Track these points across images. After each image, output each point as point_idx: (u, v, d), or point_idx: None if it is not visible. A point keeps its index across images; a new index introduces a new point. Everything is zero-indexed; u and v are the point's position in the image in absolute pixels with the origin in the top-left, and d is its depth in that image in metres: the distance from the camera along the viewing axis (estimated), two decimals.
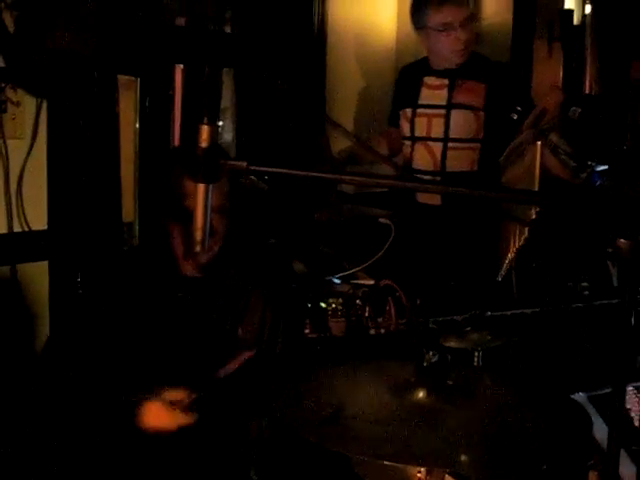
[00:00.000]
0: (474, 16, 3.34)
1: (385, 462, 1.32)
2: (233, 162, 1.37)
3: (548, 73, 4.37)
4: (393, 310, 2.59)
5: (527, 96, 3.27)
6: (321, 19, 3.81)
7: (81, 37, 2.31)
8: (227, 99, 3.77)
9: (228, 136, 3.82)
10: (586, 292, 2.79)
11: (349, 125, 3.99)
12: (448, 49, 3.32)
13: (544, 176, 1.94)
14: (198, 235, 1.40)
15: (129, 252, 3.09)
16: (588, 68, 4.70)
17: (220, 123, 3.76)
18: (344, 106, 3.99)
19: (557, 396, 1.76)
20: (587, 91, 4.74)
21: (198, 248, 1.42)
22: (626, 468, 1.89)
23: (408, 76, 3.55)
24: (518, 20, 4.23)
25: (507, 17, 4.25)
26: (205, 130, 1.35)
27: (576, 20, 4.67)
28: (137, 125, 3.24)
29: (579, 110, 2.97)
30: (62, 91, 2.76)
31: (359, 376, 1.66)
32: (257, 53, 3.50)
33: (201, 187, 1.37)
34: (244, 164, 1.35)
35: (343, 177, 1.74)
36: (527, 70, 4.23)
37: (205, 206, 1.38)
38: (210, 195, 1.38)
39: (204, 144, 1.35)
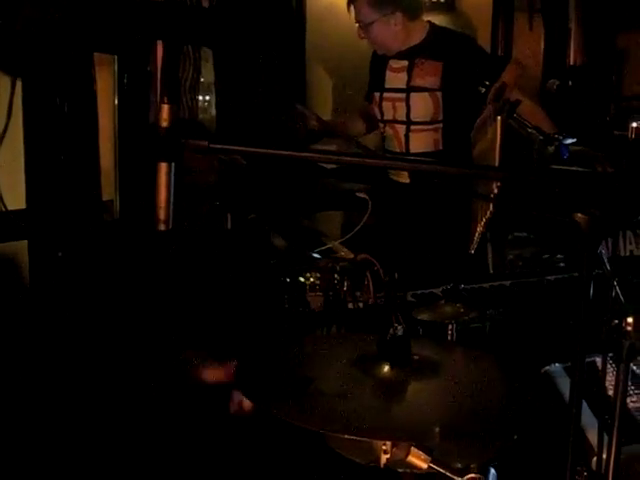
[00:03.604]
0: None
1: (346, 436, 1.34)
2: (194, 141, 1.37)
3: (529, 46, 4.37)
4: (371, 284, 2.60)
5: (495, 68, 3.27)
6: None
7: (49, 17, 2.29)
8: (210, 74, 3.75)
9: (214, 110, 3.82)
10: (561, 264, 2.81)
11: (329, 101, 4.00)
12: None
13: (509, 151, 1.95)
14: (161, 214, 1.41)
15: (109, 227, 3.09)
16: (572, 39, 4.68)
17: (207, 98, 3.76)
18: (324, 82, 3.99)
19: (529, 369, 1.78)
20: (571, 62, 4.74)
21: (162, 227, 1.42)
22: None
23: (378, 56, 3.58)
24: None
25: None
26: (165, 109, 1.35)
27: None
28: (116, 102, 3.23)
29: (557, 82, 2.97)
30: (37, 69, 2.75)
31: (327, 350, 1.68)
32: (235, 28, 3.49)
33: (163, 166, 1.37)
34: (205, 143, 1.36)
35: (309, 155, 1.73)
36: (508, 43, 4.23)
37: (168, 185, 1.39)
38: (172, 174, 1.38)
39: (164, 123, 1.35)
